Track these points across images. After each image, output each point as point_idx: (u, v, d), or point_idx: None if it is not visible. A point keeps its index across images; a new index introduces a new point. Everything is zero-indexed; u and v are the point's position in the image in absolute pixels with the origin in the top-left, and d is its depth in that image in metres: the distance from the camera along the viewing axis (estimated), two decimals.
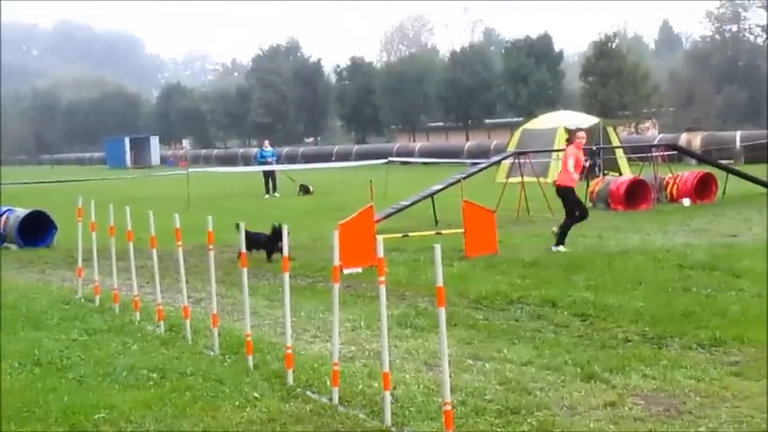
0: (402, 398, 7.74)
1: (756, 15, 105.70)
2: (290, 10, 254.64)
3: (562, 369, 8.68)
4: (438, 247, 6.53)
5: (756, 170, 33.15)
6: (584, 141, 18.27)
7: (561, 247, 17.14)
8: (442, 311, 6.67)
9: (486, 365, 8.92)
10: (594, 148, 33.95)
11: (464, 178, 22.16)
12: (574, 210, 17.88)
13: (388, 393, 7.12)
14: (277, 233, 16.18)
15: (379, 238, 7.28)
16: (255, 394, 7.95)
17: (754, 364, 8.63)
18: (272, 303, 12.57)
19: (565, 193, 17.83)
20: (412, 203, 22.61)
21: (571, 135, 18.32)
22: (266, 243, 16.75)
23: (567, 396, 7.80)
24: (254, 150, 71.09)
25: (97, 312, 12.13)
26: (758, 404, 7.41)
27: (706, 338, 9.60)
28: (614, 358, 8.97)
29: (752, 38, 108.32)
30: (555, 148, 39.93)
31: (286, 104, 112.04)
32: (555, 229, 17.78)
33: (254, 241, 16.46)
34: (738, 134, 58.34)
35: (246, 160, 78.99)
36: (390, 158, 46.65)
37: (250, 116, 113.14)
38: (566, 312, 11.26)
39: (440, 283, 6.58)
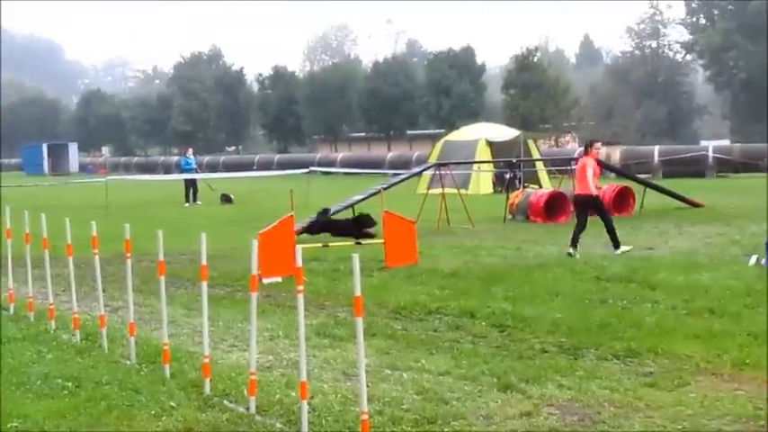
0: (319, 407, 7.73)
1: (676, 32, 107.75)
2: (213, 18, 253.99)
3: (479, 379, 8.72)
4: (356, 257, 6.53)
5: (674, 184, 33.68)
6: (599, 152, 19.19)
7: (623, 247, 18.02)
8: (360, 321, 6.67)
9: (404, 375, 8.94)
10: (514, 161, 34.30)
11: (385, 189, 22.22)
12: (605, 212, 18.94)
13: (305, 403, 7.10)
14: (361, 219, 16.04)
15: (299, 247, 7.26)
16: (172, 403, 7.88)
17: (668, 374, 8.76)
18: (190, 312, 12.47)
19: (586, 201, 18.49)
20: (333, 213, 22.59)
21: (588, 145, 19.25)
22: (351, 229, 16.31)
23: (484, 406, 7.84)
24: (175, 158, 70.60)
25: (11, 321, 11.94)
26: (670, 414, 7.51)
27: (621, 349, 9.71)
28: (531, 368, 9.05)
29: (671, 54, 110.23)
30: (476, 159, 40.30)
31: (207, 113, 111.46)
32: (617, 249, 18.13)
33: (339, 228, 16.15)
34: (657, 149, 59.27)
35: (167, 168, 78.30)
36: (312, 168, 46.66)
37: (171, 124, 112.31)
38: (484, 323, 11.32)
39: (358, 292, 6.57)
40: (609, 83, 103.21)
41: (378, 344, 10.27)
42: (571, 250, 17.81)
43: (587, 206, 18.62)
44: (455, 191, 26.26)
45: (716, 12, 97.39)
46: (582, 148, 19.74)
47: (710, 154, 56.15)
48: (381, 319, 11.77)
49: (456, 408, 7.80)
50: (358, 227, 15.94)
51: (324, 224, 15.78)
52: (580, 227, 18.32)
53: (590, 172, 18.38)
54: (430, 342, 10.42)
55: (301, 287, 7.10)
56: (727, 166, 55.54)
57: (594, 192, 18.53)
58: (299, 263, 7.09)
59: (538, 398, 8.07)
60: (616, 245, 18.23)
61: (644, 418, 7.47)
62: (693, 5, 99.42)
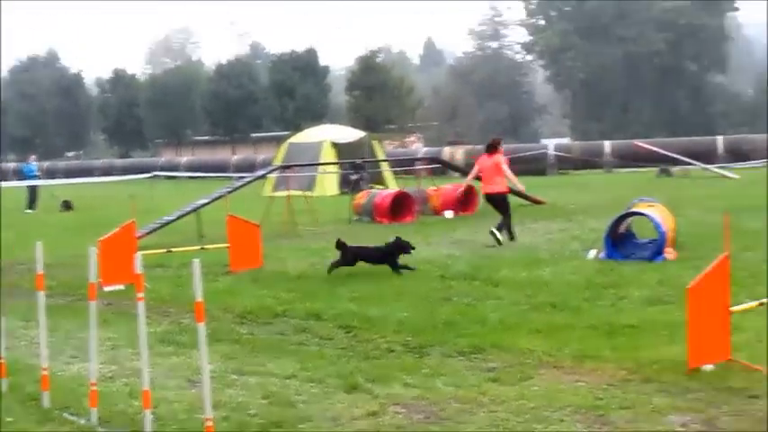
0: (164, 416, 7.60)
1: (516, 33, 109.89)
2: (50, 21, 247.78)
3: (326, 381, 8.71)
4: (197, 263, 6.43)
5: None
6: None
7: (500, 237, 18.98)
8: (202, 327, 6.58)
9: (250, 380, 8.87)
10: (360, 162, 34.43)
11: (229, 192, 22.07)
12: (508, 212, 19.78)
13: (148, 412, 6.98)
14: (399, 244, 15.51)
15: (139, 254, 7.13)
16: (9, 418, 7.65)
17: (511, 369, 8.90)
18: (28, 324, 12.09)
19: (502, 199, 19.72)
20: (177, 218, 22.32)
21: (494, 145, 20.25)
22: (383, 257, 15.62)
23: (331, 407, 7.84)
24: (12, 165, 68.60)
25: None
26: (514, 408, 7.63)
27: (466, 346, 9.83)
28: (377, 368, 9.08)
29: (512, 54, 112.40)
30: (321, 161, 40.29)
31: (45, 117, 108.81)
32: (499, 236, 19.08)
33: (367, 256, 15.60)
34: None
35: (3, 175, 76.11)
36: (155, 173, 46.00)
37: (8, 129, 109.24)
38: (330, 325, 11.32)
39: (199, 298, 6.48)
40: (452, 83, 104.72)
41: (223, 349, 10.16)
42: (504, 237, 19.11)
43: (498, 201, 19.75)
44: (301, 193, 26.21)
45: (554, 13, 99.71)
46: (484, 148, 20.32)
47: (551, 152, 57.41)
48: (227, 324, 11.66)
49: (303, 410, 7.78)
50: (395, 252, 15.49)
51: (356, 253, 15.38)
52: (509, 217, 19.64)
53: (507, 169, 19.73)
54: (276, 346, 10.37)
55: (141, 294, 6.97)
56: (567, 163, 56.89)
57: (520, 186, 20.83)
58: (139, 269, 6.95)
59: (384, 397, 8.09)
60: (512, 237, 19.51)
61: (488, 412, 7.57)
62: (532, 7, 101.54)
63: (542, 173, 53.75)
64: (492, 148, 20.15)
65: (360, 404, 7.93)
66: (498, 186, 19.71)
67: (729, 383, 8.10)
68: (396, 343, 10.22)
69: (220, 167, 65.58)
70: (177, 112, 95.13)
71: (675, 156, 49.62)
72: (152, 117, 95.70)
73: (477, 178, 20.83)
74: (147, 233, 20.42)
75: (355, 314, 11.72)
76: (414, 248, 15.54)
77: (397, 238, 15.66)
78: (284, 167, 29.21)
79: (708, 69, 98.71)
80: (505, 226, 19.50)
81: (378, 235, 21.76)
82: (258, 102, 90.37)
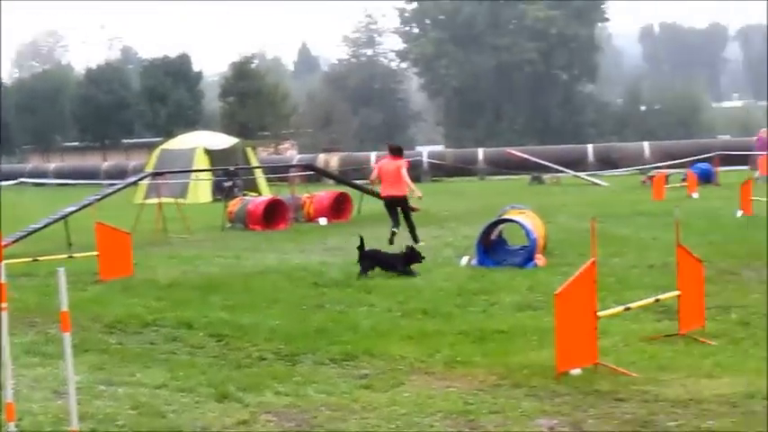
0: (29, 429, 7.42)
1: (390, 41, 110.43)
2: None
3: (196, 390, 8.60)
4: (62, 271, 6.30)
5: None
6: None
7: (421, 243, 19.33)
8: (68, 337, 6.44)
9: (119, 390, 8.71)
10: (233, 169, 34.21)
11: (99, 199, 21.68)
12: (410, 216, 20.63)
13: (12, 425, 6.78)
14: (410, 254, 15.44)
15: (2, 263, 6.94)
16: None
17: (383, 375, 8.92)
18: None
19: (399, 201, 20.42)
20: (44, 226, 21.83)
21: (397, 149, 21.18)
22: (398, 262, 15.66)
23: (201, 417, 7.75)
24: None
25: None
26: (385, 414, 7.66)
27: (338, 353, 9.82)
28: (248, 377, 9.01)
29: (386, 62, 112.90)
30: (194, 168, 39.91)
31: None
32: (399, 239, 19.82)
33: (386, 262, 15.62)
34: (374, 155, 60.36)
35: None
36: (21, 180, 44.96)
37: None
38: (201, 333, 11.19)
39: (65, 307, 6.35)
40: (326, 90, 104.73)
41: (91, 359, 9.96)
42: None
43: (399, 205, 20.49)
44: (173, 200, 25.90)
45: (428, 21, 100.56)
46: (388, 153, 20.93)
47: (425, 159, 57.82)
48: (95, 333, 11.42)
49: (172, 420, 7.68)
50: (406, 261, 15.39)
51: (374, 257, 15.37)
52: (397, 221, 20.42)
53: (406, 174, 20.37)
54: (146, 355, 10.21)
55: (5, 304, 6.78)
56: (441, 170, 57.37)
57: (418, 193, 21.15)
58: (2, 279, 6.77)
59: (255, 406, 8.03)
60: (416, 240, 19.84)
61: (359, 419, 7.58)
62: (406, 15, 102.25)
63: (417, 180, 54.03)
64: (397, 152, 20.73)
65: (230, 413, 7.85)
66: (399, 191, 20.27)
67: (596, 387, 8.26)
68: (267, 351, 10.15)
69: (91, 174, 64.52)
70: (45, 117, 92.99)
71: (547, 163, 50.52)
72: (19, 122, 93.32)
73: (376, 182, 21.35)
74: (13, 242, 19.93)
75: (227, 322, 11.61)
76: (424, 258, 15.51)
77: (410, 248, 15.76)
78: (156, 174, 28.83)
79: (578, 78, 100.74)
80: (404, 228, 20.35)
81: (251, 242, 21.68)
82: (130, 107, 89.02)
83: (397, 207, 20.48)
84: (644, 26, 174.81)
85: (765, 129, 45.24)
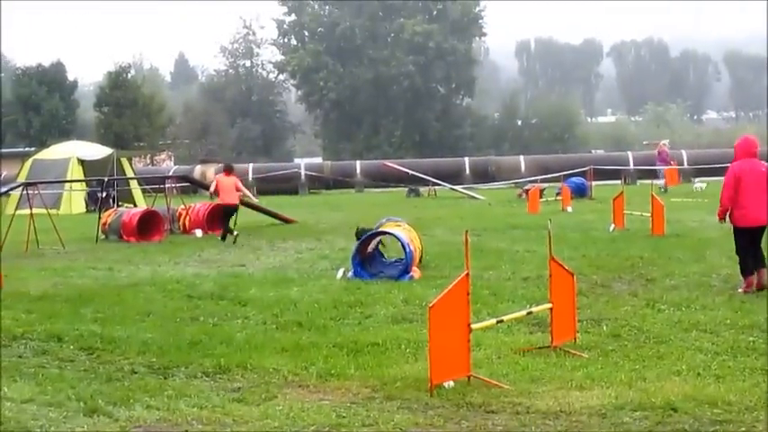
0: None
1: (268, 52, 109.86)
2: None
3: (65, 404, 8.43)
4: None
5: (268, 201, 34.32)
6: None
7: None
8: None
9: None
10: (107, 179, 33.67)
11: None
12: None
13: None
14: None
15: None
16: None
17: (256, 389, 8.87)
18: None
19: (235, 209, 24.88)
20: None
21: (229, 168, 26.00)
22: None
23: None
24: None
25: None
26: (257, 427, 7.63)
27: (211, 366, 9.74)
28: (119, 391, 8.87)
29: (265, 73, 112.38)
30: (68, 178, 39.18)
31: None
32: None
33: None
34: (251, 166, 60.18)
35: None
36: None
37: None
38: (72, 346, 10.97)
39: None
40: (204, 101, 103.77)
41: None
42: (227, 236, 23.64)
43: (235, 211, 24.82)
44: (45, 211, 25.36)
45: (306, 34, 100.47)
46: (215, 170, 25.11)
47: (303, 171, 57.80)
48: None
49: None
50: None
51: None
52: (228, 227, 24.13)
53: (242, 185, 25.10)
54: (13, 369, 9.95)
55: None
56: (319, 182, 57.44)
57: (255, 200, 26.81)
58: None
59: (125, 420, 7.92)
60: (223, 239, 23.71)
61: None
62: (285, 27, 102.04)
63: (295, 192, 54.07)
64: (229, 170, 25.37)
65: (100, 427, 7.74)
66: (234, 199, 24.44)
67: (469, 399, 8.34)
68: (139, 364, 10.01)
69: None
70: None
71: (424, 176, 50.87)
72: None
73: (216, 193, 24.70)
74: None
75: (98, 335, 11.41)
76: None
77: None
78: (27, 185, 28.15)
79: (456, 92, 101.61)
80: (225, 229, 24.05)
81: (125, 254, 21.37)
82: (1, 116, 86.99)
83: (233, 213, 24.73)
84: (520, 41, 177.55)
85: (664, 142, 46.95)
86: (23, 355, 10.73)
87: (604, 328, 11.36)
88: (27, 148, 76.37)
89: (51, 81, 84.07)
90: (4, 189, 29.30)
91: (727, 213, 13.96)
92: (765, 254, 13.92)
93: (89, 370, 9.90)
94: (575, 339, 10.40)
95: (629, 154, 59.51)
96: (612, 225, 23.55)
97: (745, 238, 13.88)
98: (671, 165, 45.63)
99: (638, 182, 49.85)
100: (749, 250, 13.87)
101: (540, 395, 8.46)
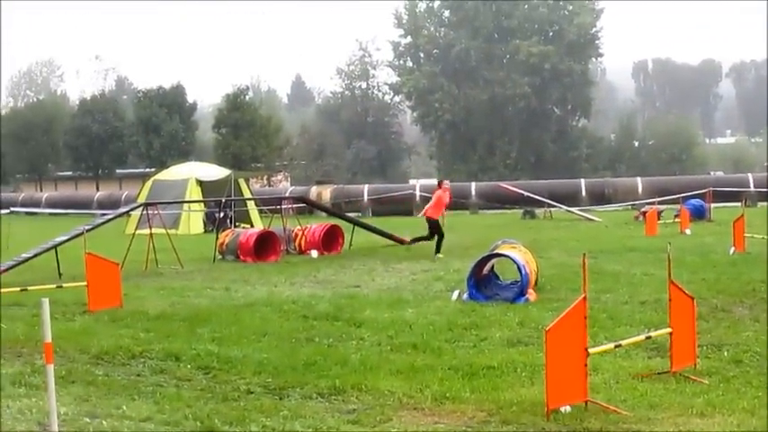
0: None
1: (384, 74, 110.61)
2: None
3: (182, 423, 8.51)
4: (46, 302, 6.23)
5: (383, 222, 34.43)
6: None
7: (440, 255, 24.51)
8: (51, 369, 6.37)
9: (104, 423, 8.59)
10: (225, 200, 34.15)
11: (89, 229, 21.55)
12: (441, 232, 25.61)
13: None
14: None
15: None
16: None
17: (371, 411, 8.83)
18: None
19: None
20: (34, 255, 21.72)
21: (440, 182, 27.20)
22: None
23: None
24: None
25: None
26: None
27: (326, 387, 9.72)
28: (235, 411, 8.91)
29: (380, 95, 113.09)
30: (187, 198, 39.85)
31: None
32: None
33: None
34: (366, 187, 60.49)
35: None
36: (13, 209, 44.85)
37: None
38: (189, 366, 11.08)
39: (48, 339, 6.28)
40: (320, 122, 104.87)
41: (77, 391, 9.85)
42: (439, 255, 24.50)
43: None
44: (164, 231, 25.81)
45: (422, 55, 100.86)
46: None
47: (418, 192, 57.81)
48: (82, 365, 11.30)
49: None
50: None
51: None
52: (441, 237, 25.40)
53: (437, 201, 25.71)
54: (132, 387, 10.09)
55: None
56: None
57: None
58: None
59: None
60: (437, 251, 24.90)
61: None
62: (401, 49, 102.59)
63: (409, 213, 54.14)
64: (439, 185, 26.53)
65: None
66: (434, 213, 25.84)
67: (586, 425, 8.18)
68: (255, 384, 10.05)
69: (83, 204, 64.46)
70: (39, 146, 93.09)
71: (539, 198, 50.52)
72: (13, 151, 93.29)
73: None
74: (4, 270, 19.85)
75: (215, 355, 11.51)
76: None
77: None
78: (148, 205, 28.70)
79: (572, 113, 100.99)
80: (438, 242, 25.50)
81: (242, 274, 21.59)
82: (123, 138, 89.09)
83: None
84: (637, 61, 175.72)
85: None
86: (142, 374, 10.87)
87: (725, 353, 11.06)
88: (147, 169, 78.10)
89: (171, 103, 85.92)
90: (124, 209, 29.91)
91: None
92: None
93: (206, 389, 9.97)
94: (695, 365, 10.15)
95: (750, 176, 58.27)
96: (733, 248, 23.02)
97: None
98: None
99: (759, 204, 48.81)
100: None
101: (660, 422, 8.26)
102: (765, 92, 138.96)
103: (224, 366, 10.93)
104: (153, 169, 69.20)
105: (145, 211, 27.35)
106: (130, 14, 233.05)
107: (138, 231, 26.75)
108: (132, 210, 29.93)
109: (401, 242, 29.17)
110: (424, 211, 26.95)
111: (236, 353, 11.61)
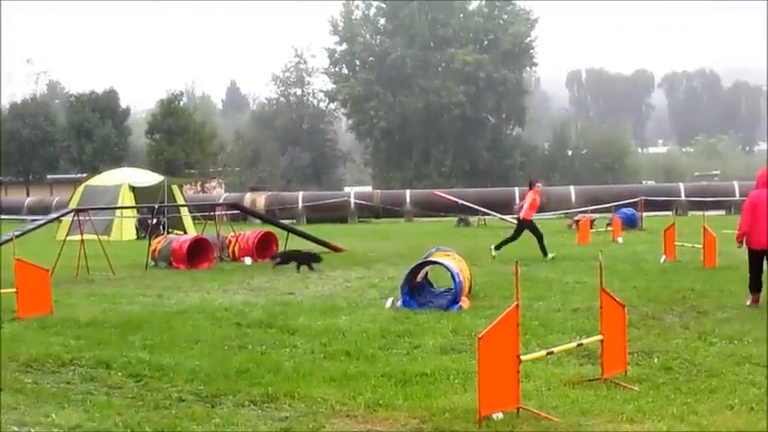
0: None
1: (319, 81, 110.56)
2: None
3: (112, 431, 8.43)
4: None
5: (317, 230, 34.38)
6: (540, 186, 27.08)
7: (551, 255, 25.18)
8: None
9: (33, 431, 8.49)
10: (157, 206, 33.88)
11: (19, 235, 21.25)
12: (539, 232, 26.00)
13: None
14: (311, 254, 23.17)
15: None
16: None
17: (303, 418, 8.79)
18: None
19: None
20: None
21: (532, 183, 26.86)
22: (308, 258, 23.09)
23: None
24: None
25: None
26: None
27: (259, 395, 9.67)
28: (167, 418, 8.83)
29: (315, 102, 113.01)
30: (119, 204, 39.48)
31: None
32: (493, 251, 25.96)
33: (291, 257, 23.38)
34: (301, 194, 60.43)
35: None
36: None
37: None
38: (120, 373, 10.95)
39: None
40: (254, 129, 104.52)
41: (5, 399, 9.70)
42: (495, 252, 25.72)
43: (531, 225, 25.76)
44: (96, 237, 25.55)
45: (357, 63, 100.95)
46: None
47: (353, 200, 57.89)
48: (10, 373, 11.13)
49: None
50: (310, 258, 23.26)
51: (289, 256, 23.90)
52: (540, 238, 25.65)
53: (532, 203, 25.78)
54: (62, 395, 9.96)
55: None
56: (368, 211, 57.48)
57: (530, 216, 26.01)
58: None
59: None
60: (545, 254, 25.19)
61: None
62: (336, 56, 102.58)
63: (344, 220, 54.18)
64: (531, 185, 26.54)
65: None
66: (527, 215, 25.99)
67: (518, 431, 8.21)
68: (187, 392, 9.97)
69: (13, 209, 63.63)
70: None
71: (474, 206, 50.78)
72: None
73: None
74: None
75: (146, 362, 11.39)
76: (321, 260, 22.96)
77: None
78: (79, 211, 28.35)
79: (506, 122, 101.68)
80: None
81: (174, 281, 21.43)
82: (55, 143, 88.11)
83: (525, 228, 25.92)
84: (571, 71, 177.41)
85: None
86: (72, 382, 10.73)
87: (655, 360, 11.18)
88: (79, 175, 77.28)
89: (104, 108, 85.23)
90: (55, 215, 29.56)
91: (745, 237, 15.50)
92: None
93: (137, 397, 9.87)
94: (625, 372, 10.24)
95: (681, 185, 59.08)
96: (664, 256, 23.32)
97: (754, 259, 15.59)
98: None
99: (690, 213, 49.47)
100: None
101: (590, 428, 8.33)
102: (696, 102, 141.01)
103: (155, 374, 10.83)
104: (85, 175, 68.45)
105: (76, 217, 27.03)
106: (64, 18, 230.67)
107: (69, 237, 26.38)
108: (63, 215, 29.58)
109: (336, 250, 29.13)
110: (520, 213, 26.78)
111: (168, 360, 11.50)
